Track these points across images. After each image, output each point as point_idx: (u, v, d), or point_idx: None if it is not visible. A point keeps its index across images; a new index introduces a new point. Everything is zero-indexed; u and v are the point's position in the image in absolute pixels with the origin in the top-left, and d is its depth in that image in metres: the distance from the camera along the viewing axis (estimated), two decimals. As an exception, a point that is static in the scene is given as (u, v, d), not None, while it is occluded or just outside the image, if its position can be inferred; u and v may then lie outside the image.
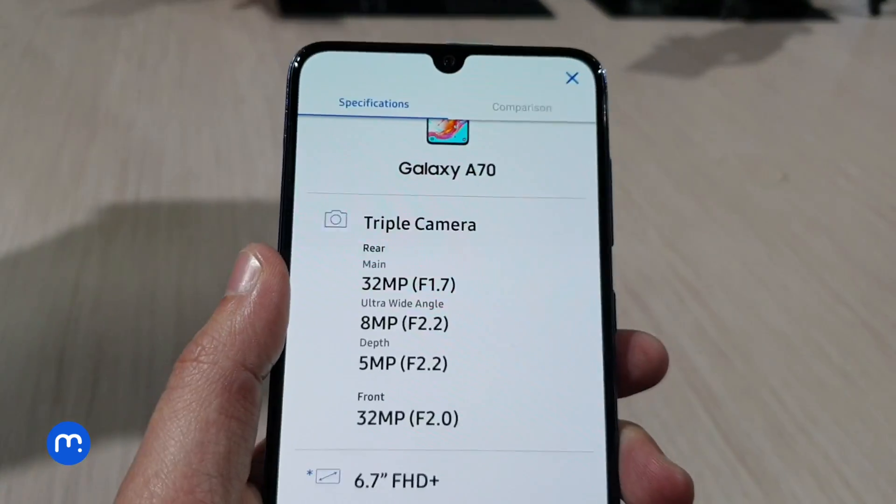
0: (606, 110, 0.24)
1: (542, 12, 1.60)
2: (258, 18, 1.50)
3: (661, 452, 0.21)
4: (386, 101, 0.23)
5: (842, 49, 1.59)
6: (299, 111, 0.23)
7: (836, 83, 1.43)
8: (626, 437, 0.22)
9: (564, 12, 1.62)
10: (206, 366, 0.19)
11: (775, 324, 0.83)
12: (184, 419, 0.19)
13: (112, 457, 0.63)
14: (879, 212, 1.04)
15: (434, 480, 0.21)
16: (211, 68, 1.29)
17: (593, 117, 0.24)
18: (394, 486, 0.21)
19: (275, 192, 1.05)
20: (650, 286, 0.86)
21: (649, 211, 1.00)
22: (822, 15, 1.74)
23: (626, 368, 0.23)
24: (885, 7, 1.77)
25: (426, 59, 0.24)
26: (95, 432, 0.65)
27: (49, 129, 1.08)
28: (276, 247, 0.22)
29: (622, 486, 0.21)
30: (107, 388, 0.69)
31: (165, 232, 0.89)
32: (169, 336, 0.75)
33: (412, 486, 0.21)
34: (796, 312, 0.85)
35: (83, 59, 1.29)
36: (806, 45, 1.58)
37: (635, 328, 0.23)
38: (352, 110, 0.23)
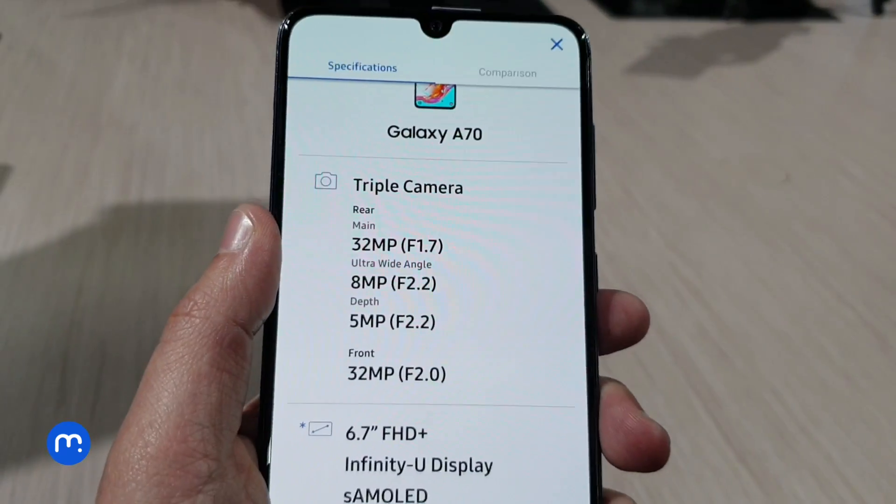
0: (590, 77, 0.24)
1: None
2: (260, 20, 1.50)
3: (639, 408, 0.22)
4: (374, 65, 0.23)
5: (844, 49, 1.59)
6: (289, 74, 0.23)
7: (839, 83, 1.43)
8: (606, 392, 0.23)
9: (565, 13, 1.62)
10: (197, 320, 0.20)
11: (777, 324, 0.83)
12: (176, 371, 0.19)
13: (115, 458, 0.63)
14: (882, 212, 1.03)
15: (422, 433, 0.22)
16: (214, 70, 1.30)
17: (577, 83, 0.24)
18: (383, 438, 0.21)
19: (277, 194, 1.05)
20: (651, 287, 0.86)
21: (651, 211, 1.00)
22: (824, 14, 1.74)
23: (608, 327, 0.23)
24: (888, 6, 1.76)
25: (413, 24, 0.24)
26: (98, 434, 0.65)
27: (53, 132, 1.08)
28: (267, 207, 0.22)
29: (602, 440, 0.22)
30: (110, 389, 0.69)
31: (168, 234, 0.89)
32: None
33: (401, 438, 0.21)
34: (798, 313, 0.85)
35: (87, 61, 1.29)
36: (808, 44, 1.58)
37: None
38: (341, 73, 0.23)
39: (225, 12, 1.53)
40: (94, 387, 0.69)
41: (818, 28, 1.67)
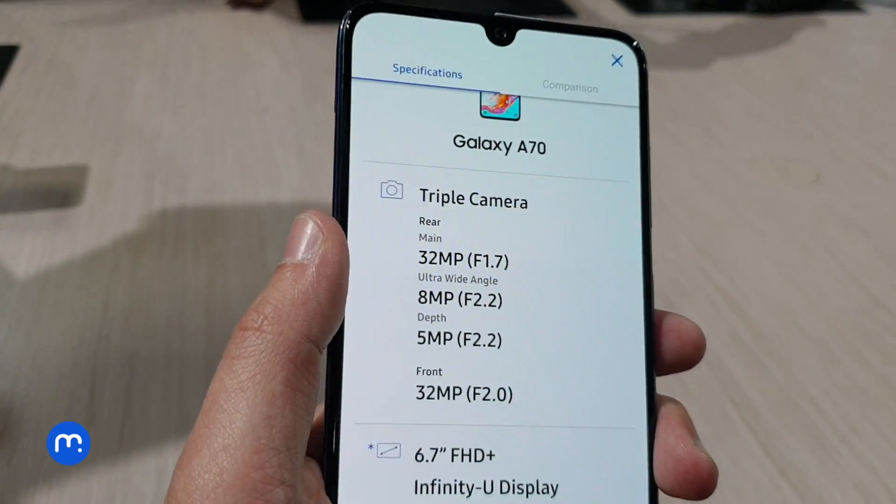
0: (647, 96, 0.24)
1: (563, 10, 1.59)
2: (279, 25, 1.50)
3: (692, 436, 0.22)
4: (440, 71, 0.23)
5: (873, 41, 1.55)
6: (353, 74, 0.22)
7: (869, 77, 1.40)
8: (663, 414, 0.22)
9: (586, 10, 1.60)
10: (269, 336, 0.19)
11: (813, 330, 0.81)
12: (250, 392, 0.18)
13: (147, 476, 0.63)
14: (917, 211, 1.01)
15: (490, 455, 0.21)
16: (233, 77, 1.29)
17: (636, 102, 0.24)
18: (452, 460, 0.21)
19: (301, 203, 1.04)
20: (683, 293, 0.84)
21: (680, 215, 0.98)
22: (849, 6, 1.70)
23: (659, 351, 0.23)
24: (915, -4, 1.72)
25: (478, 30, 0.23)
26: (129, 451, 0.65)
27: (75, 144, 1.08)
28: (330, 213, 0.21)
29: (653, 463, 0.22)
30: (139, 406, 0.69)
31: (192, 246, 0.89)
32: (199, 353, 0.75)
33: (470, 460, 0.21)
34: (834, 318, 0.83)
35: (106, 71, 1.29)
36: (835, 37, 1.55)
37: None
38: (406, 77, 0.22)
39: (243, 19, 1.52)
40: (122, 404, 0.69)
41: (844, 20, 1.63)
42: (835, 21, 1.62)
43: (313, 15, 1.53)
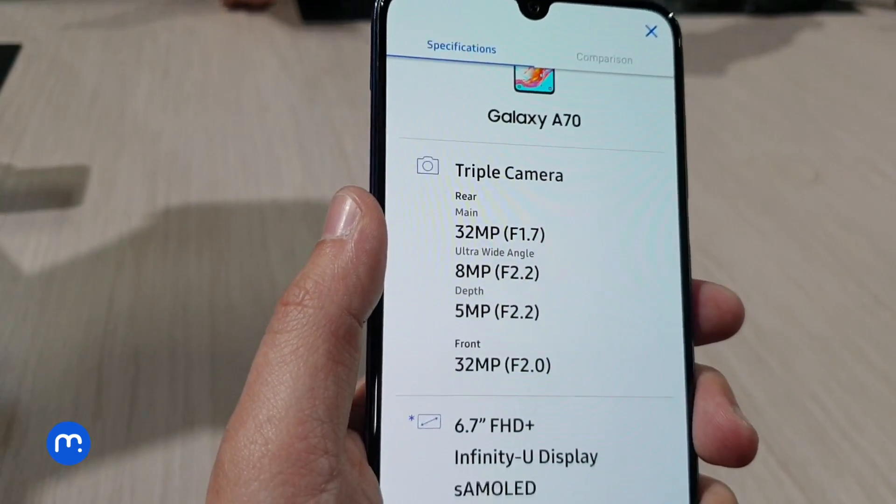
0: (682, 66, 0.24)
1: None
2: (279, 26, 1.50)
3: (732, 403, 0.22)
4: (474, 46, 0.23)
5: (869, 42, 1.57)
6: (388, 52, 0.22)
7: (865, 77, 1.41)
8: (702, 382, 0.22)
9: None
10: (311, 310, 0.19)
11: (813, 327, 0.82)
12: (293, 364, 0.18)
13: (154, 467, 0.63)
14: (915, 210, 1.02)
15: (529, 425, 0.21)
16: (234, 78, 1.30)
17: (671, 72, 0.24)
18: (492, 430, 0.21)
19: (302, 201, 1.04)
20: (684, 290, 0.85)
21: (680, 213, 0.98)
22: (846, 7, 1.72)
23: (697, 320, 0.23)
24: (911, -2, 1.74)
25: (511, 4, 0.23)
26: (136, 443, 0.65)
27: (77, 143, 1.08)
28: (368, 190, 0.22)
29: (692, 431, 0.22)
30: (145, 399, 0.69)
31: (195, 243, 0.89)
32: (203, 347, 0.75)
33: (509, 430, 0.21)
34: (835, 315, 0.84)
35: (108, 71, 1.30)
36: (832, 38, 1.56)
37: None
38: (440, 53, 0.23)
39: (243, 20, 1.53)
40: (129, 399, 0.69)
41: (841, 21, 1.64)
42: (833, 22, 1.64)
43: (312, 16, 1.53)
